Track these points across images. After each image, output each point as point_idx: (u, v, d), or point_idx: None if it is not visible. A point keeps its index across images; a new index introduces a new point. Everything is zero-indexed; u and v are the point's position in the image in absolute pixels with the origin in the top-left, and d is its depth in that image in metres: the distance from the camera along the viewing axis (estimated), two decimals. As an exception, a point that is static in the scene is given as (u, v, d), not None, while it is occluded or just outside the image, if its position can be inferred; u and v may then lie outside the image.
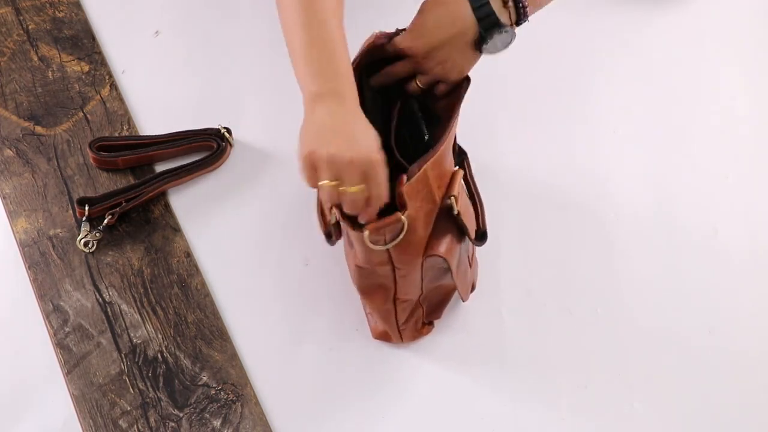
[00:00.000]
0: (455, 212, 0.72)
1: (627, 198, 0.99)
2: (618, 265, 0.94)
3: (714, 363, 0.88)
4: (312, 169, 0.66)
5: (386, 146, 0.80)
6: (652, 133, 1.04)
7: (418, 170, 0.69)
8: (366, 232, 0.67)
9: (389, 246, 0.70)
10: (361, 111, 0.69)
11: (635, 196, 0.99)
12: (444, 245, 0.74)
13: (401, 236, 0.69)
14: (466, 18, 0.74)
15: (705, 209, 0.98)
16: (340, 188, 0.65)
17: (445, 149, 0.73)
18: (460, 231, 0.76)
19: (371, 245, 0.69)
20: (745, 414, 0.85)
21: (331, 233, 0.75)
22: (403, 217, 0.68)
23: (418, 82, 0.79)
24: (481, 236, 0.80)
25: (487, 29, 0.75)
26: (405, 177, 0.69)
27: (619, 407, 0.85)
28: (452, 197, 0.72)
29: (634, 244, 0.95)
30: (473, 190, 0.84)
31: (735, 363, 0.88)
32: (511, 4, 0.75)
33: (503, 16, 0.74)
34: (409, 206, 0.69)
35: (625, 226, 0.97)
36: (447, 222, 0.75)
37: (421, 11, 0.76)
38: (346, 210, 0.68)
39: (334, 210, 0.71)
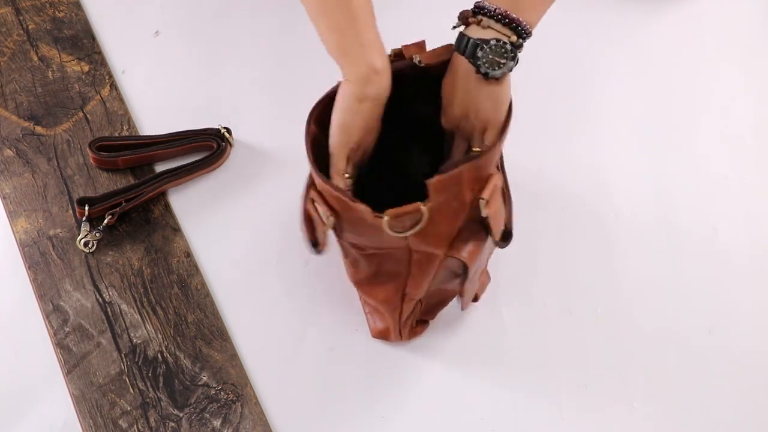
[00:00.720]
0: (484, 215, 0.72)
1: (627, 198, 0.99)
2: (618, 265, 0.94)
3: (714, 363, 0.88)
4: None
5: (437, 153, 0.80)
6: (652, 133, 1.04)
7: (453, 168, 0.69)
8: (386, 218, 0.67)
9: (408, 233, 0.69)
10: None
11: (635, 196, 0.99)
12: (467, 250, 0.74)
13: (420, 225, 0.69)
14: (459, 60, 0.73)
15: (705, 209, 0.98)
16: None
17: (489, 160, 0.72)
18: (486, 236, 0.75)
19: (390, 231, 0.68)
20: (745, 414, 0.85)
21: (318, 242, 0.75)
22: (423, 207, 0.68)
23: (486, 142, 0.76)
24: (506, 236, 0.79)
25: (467, 51, 0.72)
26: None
27: (619, 407, 0.85)
28: (482, 200, 0.72)
29: (634, 244, 0.95)
30: (504, 185, 0.81)
31: (735, 363, 0.88)
32: (488, 22, 0.72)
33: (486, 35, 0.71)
34: (433, 199, 0.69)
35: (625, 226, 0.97)
36: (476, 226, 0.74)
37: (462, 118, 0.76)
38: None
39: (331, 217, 0.71)
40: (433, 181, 0.68)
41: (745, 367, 0.88)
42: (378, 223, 0.68)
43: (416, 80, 0.77)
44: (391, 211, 0.68)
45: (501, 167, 0.82)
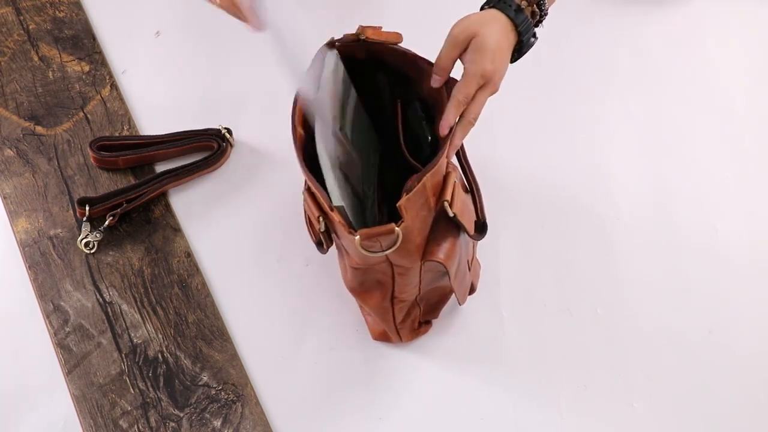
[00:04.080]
0: (451, 215, 0.72)
1: (627, 198, 0.99)
2: (618, 265, 0.94)
3: (714, 363, 0.88)
4: None
5: (396, 148, 0.80)
6: (652, 133, 1.04)
7: (418, 183, 0.69)
8: (357, 238, 0.67)
9: (386, 253, 0.70)
10: None
11: (635, 196, 0.99)
12: (443, 251, 0.74)
13: (396, 246, 0.69)
14: (510, 29, 0.75)
15: (705, 209, 0.98)
16: None
17: (444, 162, 0.73)
18: (459, 231, 0.75)
19: (363, 251, 0.69)
20: (745, 414, 0.85)
21: (322, 242, 0.75)
22: (397, 228, 0.68)
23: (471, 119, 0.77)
24: (480, 228, 0.80)
25: (527, 38, 0.76)
26: (404, 192, 0.69)
27: (619, 407, 0.85)
28: (445, 201, 0.72)
29: (634, 244, 0.95)
30: (470, 176, 0.82)
31: (734, 363, 0.88)
32: (536, 9, 0.76)
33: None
34: (406, 218, 0.69)
35: (625, 226, 0.97)
36: (446, 224, 0.74)
37: (471, 31, 0.74)
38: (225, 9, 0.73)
39: (321, 220, 0.72)
40: (402, 202, 0.68)
41: (745, 367, 0.88)
42: (351, 239, 0.68)
43: (368, 68, 0.80)
44: (363, 231, 0.67)
45: (464, 159, 0.82)
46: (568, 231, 0.96)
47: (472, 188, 0.81)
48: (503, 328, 0.90)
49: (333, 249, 0.81)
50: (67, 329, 0.90)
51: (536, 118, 1.05)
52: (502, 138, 1.01)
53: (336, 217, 0.69)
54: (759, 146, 1.03)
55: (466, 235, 0.77)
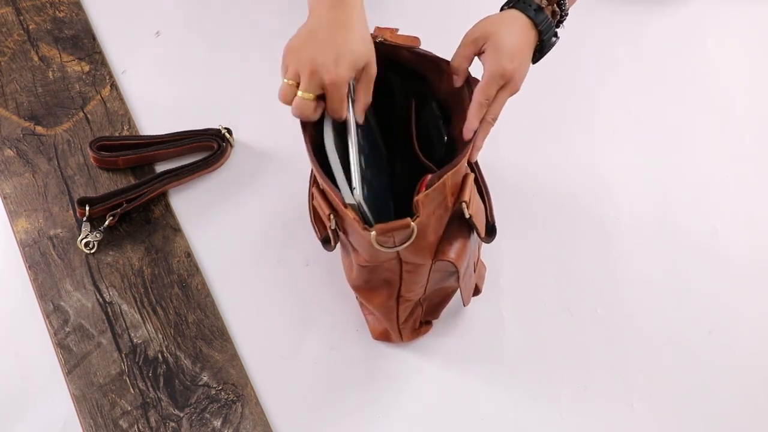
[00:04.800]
0: (467, 216, 0.72)
1: (627, 198, 0.99)
2: (618, 265, 0.94)
3: (713, 363, 0.88)
4: (285, 65, 0.70)
5: (409, 148, 0.80)
6: (652, 134, 1.04)
7: (438, 180, 0.69)
8: (372, 233, 0.67)
9: (398, 249, 0.70)
10: (359, 20, 0.70)
11: (635, 195, 0.99)
12: (454, 250, 0.74)
13: (410, 241, 0.69)
14: (530, 29, 0.75)
15: (705, 209, 0.98)
16: (298, 92, 0.69)
17: (464, 162, 0.73)
18: (470, 232, 0.76)
19: (378, 246, 0.68)
20: (745, 414, 0.85)
21: (329, 239, 0.76)
22: (413, 223, 0.68)
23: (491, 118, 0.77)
24: (490, 230, 0.80)
25: (548, 37, 0.76)
26: (424, 186, 0.69)
27: (619, 407, 0.85)
28: (464, 202, 0.72)
29: (634, 244, 0.95)
30: (480, 180, 0.82)
31: (734, 363, 0.88)
32: (556, 9, 0.76)
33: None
34: (421, 213, 0.69)
35: (625, 226, 0.97)
36: (458, 224, 0.74)
37: (487, 31, 0.75)
38: (293, 113, 0.70)
39: (332, 217, 0.72)
40: (420, 197, 0.68)
41: (745, 367, 0.88)
42: (366, 236, 0.68)
43: (382, 67, 0.78)
44: (379, 226, 0.67)
45: (475, 162, 0.82)
46: (568, 231, 0.97)
47: (481, 191, 0.81)
48: (503, 328, 0.90)
49: (339, 249, 0.81)
50: (67, 329, 0.90)
51: (536, 118, 1.05)
52: (502, 138, 1.01)
53: (351, 214, 0.69)
54: (759, 146, 1.03)
55: (473, 239, 0.77)
